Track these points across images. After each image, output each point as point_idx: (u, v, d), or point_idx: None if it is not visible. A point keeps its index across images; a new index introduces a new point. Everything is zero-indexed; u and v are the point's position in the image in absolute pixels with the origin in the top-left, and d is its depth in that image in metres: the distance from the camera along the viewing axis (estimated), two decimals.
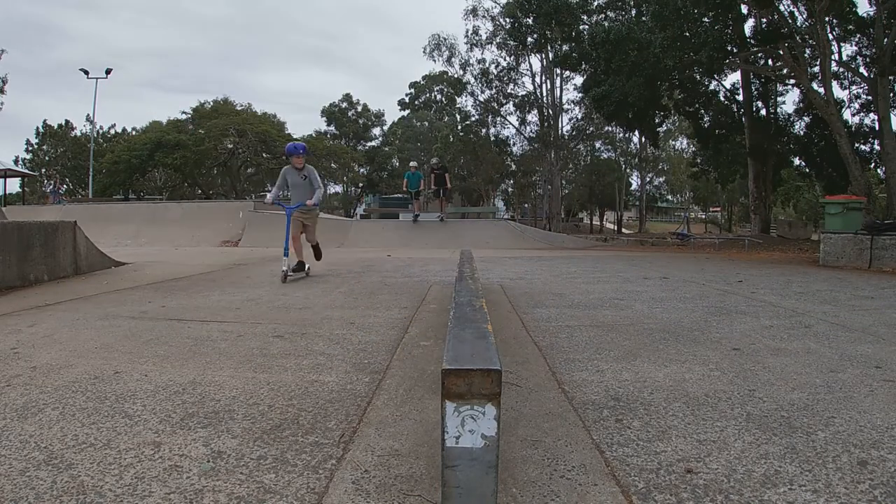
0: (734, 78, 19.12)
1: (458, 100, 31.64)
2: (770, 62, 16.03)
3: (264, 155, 34.48)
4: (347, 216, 27.68)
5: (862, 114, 16.37)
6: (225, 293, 4.60)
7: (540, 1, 18.22)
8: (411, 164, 15.15)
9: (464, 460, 1.04)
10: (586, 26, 17.71)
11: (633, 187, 43.76)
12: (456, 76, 29.82)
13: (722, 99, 18.87)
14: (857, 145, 14.89)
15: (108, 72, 27.53)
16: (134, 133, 38.98)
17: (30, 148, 40.30)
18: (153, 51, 77.32)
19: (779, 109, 18.56)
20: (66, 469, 1.40)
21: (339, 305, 4.00)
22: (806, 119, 17.76)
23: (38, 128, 40.15)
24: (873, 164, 16.15)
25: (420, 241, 13.61)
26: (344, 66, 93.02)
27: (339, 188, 47.59)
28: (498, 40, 26.80)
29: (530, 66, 34.01)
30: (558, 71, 26.84)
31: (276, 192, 5.82)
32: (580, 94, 24.44)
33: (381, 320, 3.42)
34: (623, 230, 37.77)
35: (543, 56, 26.43)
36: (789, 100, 71.95)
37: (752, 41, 14.50)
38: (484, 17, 26.61)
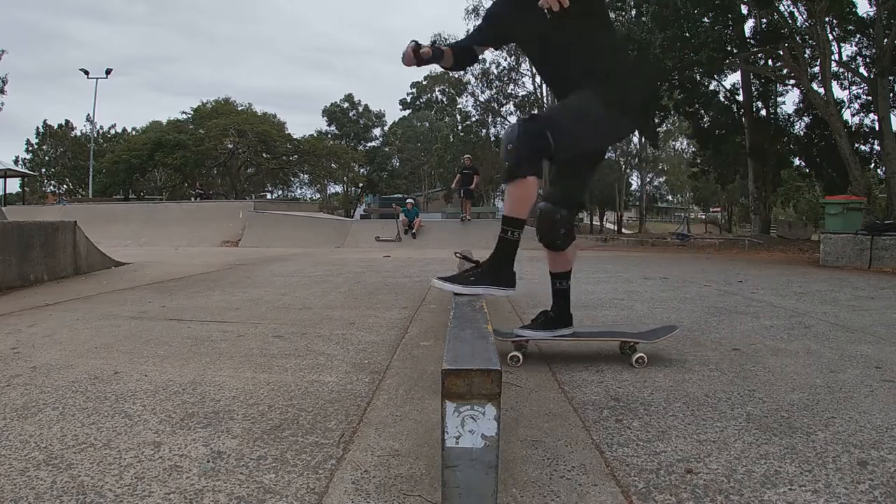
0: (734, 78, 19.12)
1: (459, 100, 31.71)
2: (770, 62, 16.03)
3: (264, 155, 34.49)
4: (347, 216, 27.69)
5: (862, 114, 16.38)
6: (225, 293, 4.59)
7: None
8: (408, 200, 15.21)
9: (464, 460, 1.04)
10: None
11: (633, 187, 43.78)
12: (457, 76, 29.86)
13: (722, 99, 18.87)
14: (857, 145, 14.88)
15: (107, 72, 27.59)
16: (134, 133, 38.99)
17: (30, 148, 40.30)
18: (155, 54, 77.44)
19: (779, 110, 18.56)
20: (66, 469, 1.40)
21: (339, 305, 4.00)
22: (806, 119, 17.76)
23: (38, 128, 40.19)
24: (873, 164, 16.15)
25: (420, 241, 13.61)
26: (345, 75, 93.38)
27: (339, 188, 47.59)
28: None
29: (531, 66, 33.96)
30: None
31: None
32: None
33: (381, 320, 3.42)
34: (623, 230, 37.75)
35: None
36: (789, 100, 71.92)
37: (752, 41, 14.50)
38: None
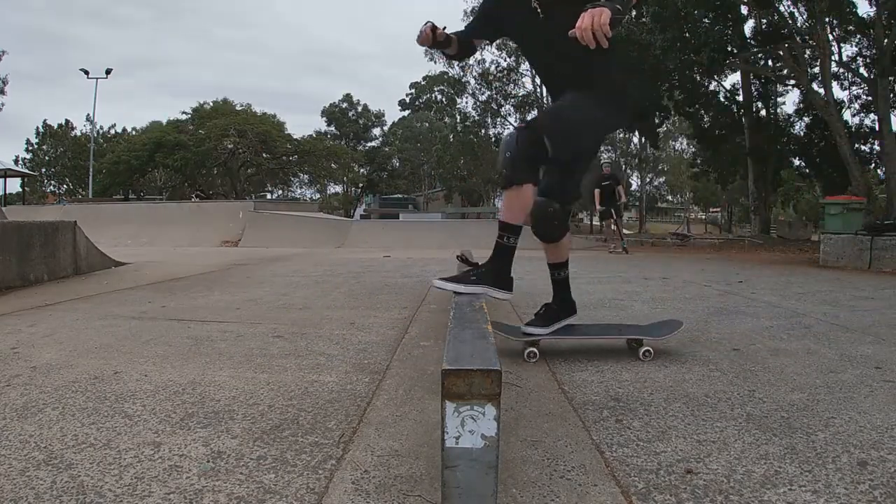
0: (734, 79, 19.13)
1: (459, 100, 31.69)
2: (770, 63, 16.03)
3: (264, 155, 34.46)
4: (347, 216, 27.69)
5: (862, 114, 16.39)
6: (225, 293, 4.59)
7: None
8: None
9: (463, 461, 1.04)
10: None
11: (633, 187, 43.76)
12: (456, 76, 29.88)
13: (722, 100, 18.86)
14: (857, 146, 14.89)
15: (107, 72, 27.60)
16: (134, 133, 39.00)
17: (30, 148, 40.31)
18: (154, 55, 77.54)
19: (779, 110, 18.57)
20: (65, 469, 1.40)
21: (339, 306, 4.00)
22: (806, 120, 17.77)
23: (38, 128, 40.22)
24: (873, 165, 16.16)
25: (420, 241, 13.61)
26: (344, 78, 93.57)
27: (339, 188, 47.57)
28: (498, 41, 26.84)
29: (530, 66, 33.95)
30: None
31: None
32: None
33: (381, 320, 3.42)
34: (623, 230, 37.72)
35: None
36: (789, 100, 71.91)
37: (753, 42, 14.50)
38: None
